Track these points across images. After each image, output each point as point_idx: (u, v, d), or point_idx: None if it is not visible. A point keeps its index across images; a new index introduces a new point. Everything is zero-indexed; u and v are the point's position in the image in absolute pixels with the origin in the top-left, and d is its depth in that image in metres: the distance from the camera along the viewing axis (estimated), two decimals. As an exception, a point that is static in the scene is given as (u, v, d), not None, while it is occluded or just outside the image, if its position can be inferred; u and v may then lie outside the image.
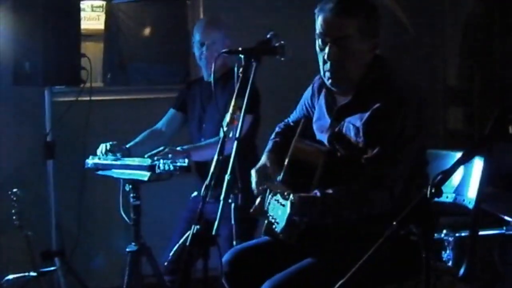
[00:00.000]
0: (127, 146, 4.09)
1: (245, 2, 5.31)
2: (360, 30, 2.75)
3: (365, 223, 2.71)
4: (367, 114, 2.74)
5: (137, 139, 4.23)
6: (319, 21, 2.81)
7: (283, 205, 2.56)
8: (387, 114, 2.70)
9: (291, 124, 3.27)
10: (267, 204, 2.90)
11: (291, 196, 2.58)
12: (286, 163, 2.90)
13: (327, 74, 2.84)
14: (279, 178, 2.90)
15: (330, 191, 2.68)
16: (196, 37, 4.14)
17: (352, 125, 2.79)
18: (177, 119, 4.38)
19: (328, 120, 2.93)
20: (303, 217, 2.66)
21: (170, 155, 3.75)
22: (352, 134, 2.79)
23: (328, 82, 2.87)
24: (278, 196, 2.70)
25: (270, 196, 2.88)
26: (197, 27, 4.19)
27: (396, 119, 2.68)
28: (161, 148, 3.82)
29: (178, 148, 3.85)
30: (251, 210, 2.92)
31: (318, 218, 2.68)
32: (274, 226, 2.64)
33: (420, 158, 2.82)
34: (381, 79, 2.81)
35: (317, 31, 2.83)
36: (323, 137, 2.94)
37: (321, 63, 2.87)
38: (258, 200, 2.95)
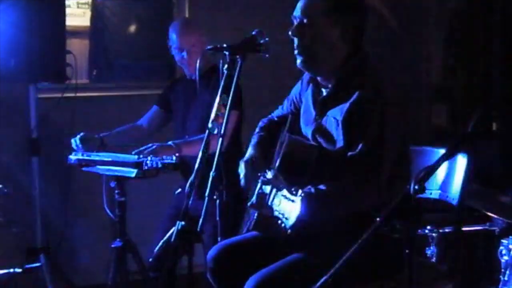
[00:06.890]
0: (101, 135, 4.09)
1: (229, 0, 5.31)
2: (325, 13, 2.78)
3: (352, 219, 2.72)
4: (346, 106, 2.74)
5: (114, 130, 4.23)
6: None
7: (293, 201, 2.54)
8: (364, 106, 2.70)
9: (275, 119, 3.28)
10: (270, 199, 2.85)
11: (300, 192, 2.55)
12: (280, 156, 2.88)
13: (296, 52, 2.86)
14: (273, 171, 2.88)
15: (323, 187, 2.67)
16: (173, 42, 4.14)
17: (333, 118, 2.79)
18: (159, 117, 4.38)
19: (313, 113, 2.93)
20: (313, 214, 2.64)
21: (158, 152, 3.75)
22: (333, 128, 2.79)
23: (298, 63, 2.88)
24: (285, 191, 2.67)
25: (274, 191, 2.84)
26: (173, 32, 4.16)
27: (374, 110, 2.68)
28: (149, 145, 3.82)
29: (170, 143, 3.85)
30: (249, 204, 2.89)
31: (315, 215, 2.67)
32: (280, 222, 2.60)
33: (404, 154, 2.83)
34: (360, 69, 2.81)
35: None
36: (308, 130, 2.94)
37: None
38: (256, 193, 2.92)
